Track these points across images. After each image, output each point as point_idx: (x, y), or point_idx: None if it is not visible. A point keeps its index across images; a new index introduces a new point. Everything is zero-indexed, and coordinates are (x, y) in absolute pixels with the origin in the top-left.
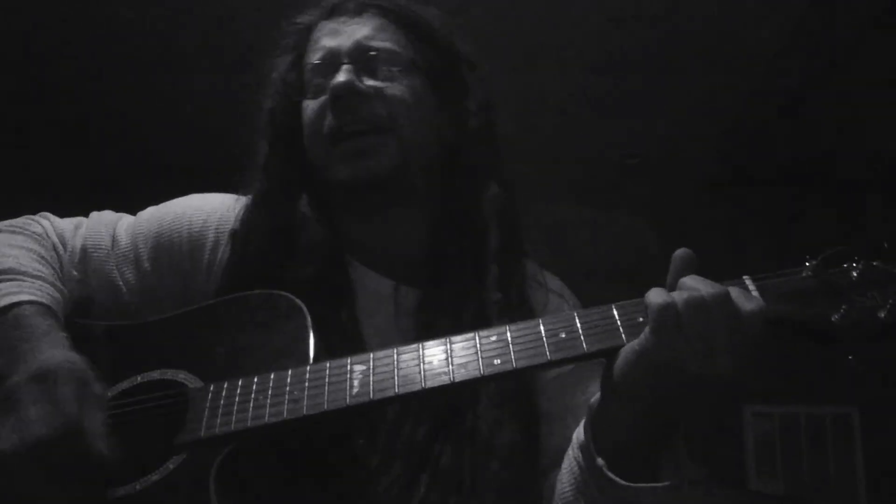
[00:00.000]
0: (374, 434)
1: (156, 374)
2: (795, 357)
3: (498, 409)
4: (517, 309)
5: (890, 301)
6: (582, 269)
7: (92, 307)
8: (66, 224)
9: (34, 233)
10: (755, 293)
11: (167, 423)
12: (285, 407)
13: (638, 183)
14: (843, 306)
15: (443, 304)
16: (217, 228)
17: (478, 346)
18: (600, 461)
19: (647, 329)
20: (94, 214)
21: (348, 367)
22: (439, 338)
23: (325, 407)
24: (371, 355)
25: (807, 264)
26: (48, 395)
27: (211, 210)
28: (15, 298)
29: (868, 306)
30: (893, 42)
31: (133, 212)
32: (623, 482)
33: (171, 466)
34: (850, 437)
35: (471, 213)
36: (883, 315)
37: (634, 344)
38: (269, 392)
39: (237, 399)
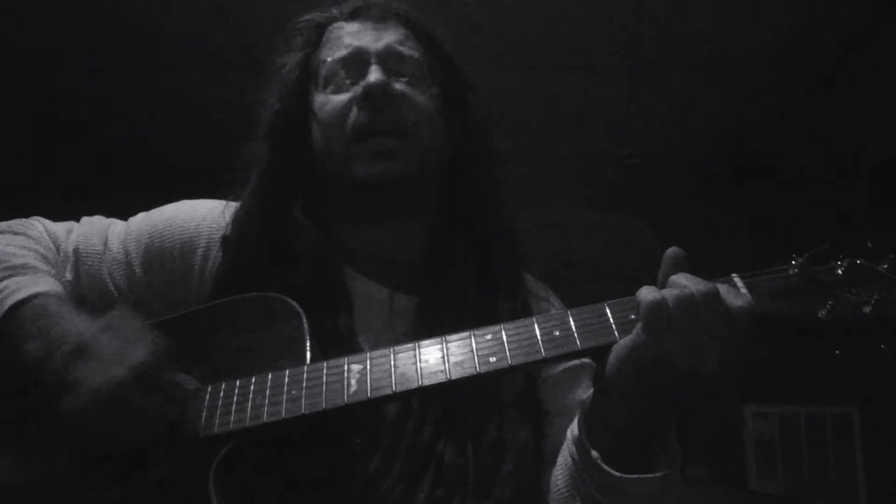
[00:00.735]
0: (374, 435)
1: None
2: (795, 357)
3: (504, 409)
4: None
5: (874, 297)
6: (581, 269)
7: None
8: (58, 228)
9: (31, 235)
10: (744, 290)
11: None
12: (283, 406)
13: (638, 183)
14: (829, 302)
15: (441, 312)
16: (208, 234)
17: (473, 344)
18: (595, 454)
19: (638, 326)
20: (85, 219)
21: (345, 366)
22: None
23: (323, 406)
24: (368, 355)
25: (793, 262)
26: (106, 347)
27: (202, 216)
28: (35, 289)
29: (853, 302)
30: (893, 42)
31: (127, 214)
32: (617, 473)
33: (171, 466)
34: (850, 437)
35: (471, 224)
36: (867, 310)
37: (626, 341)
38: (267, 392)
39: (235, 399)
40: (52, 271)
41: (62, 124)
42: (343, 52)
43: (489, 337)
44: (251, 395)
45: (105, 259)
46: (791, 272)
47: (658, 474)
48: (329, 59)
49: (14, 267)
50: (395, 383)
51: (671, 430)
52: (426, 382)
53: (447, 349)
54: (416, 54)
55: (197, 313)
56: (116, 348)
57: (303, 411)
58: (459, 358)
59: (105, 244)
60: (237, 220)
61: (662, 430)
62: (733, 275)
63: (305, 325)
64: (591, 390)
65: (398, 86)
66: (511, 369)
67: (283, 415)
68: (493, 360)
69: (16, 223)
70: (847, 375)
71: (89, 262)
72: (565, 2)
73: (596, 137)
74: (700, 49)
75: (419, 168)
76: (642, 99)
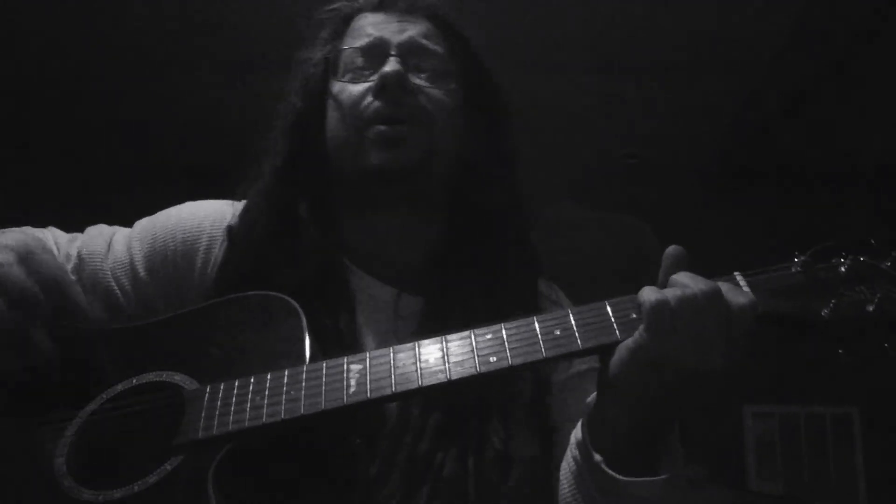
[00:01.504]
0: (373, 443)
1: (151, 377)
2: (795, 357)
3: (510, 422)
4: None
5: (878, 295)
6: (581, 269)
7: (87, 312)
8: (63, 235)
9: (35, 236)
10: (746, 289)
11: (164, 426)
12: (283, 407)
13: (638, 183)
14: (832, 301)
15: (447, 315)
16: (210, 233)
17: (473, 344)
18: (598, 457)
19: (641, 326)
20: (90, 228)
21: (345, 366)
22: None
23: (323, 406)
24: (367, 354)
25: (796, 260)
26: None
27: (204, 215)
28: None
29: (856, 300)
30: (893, 41)
31: (132, 217)
32: (620, 477)
33: (169, 468)
34: (850, 437)
35: (486, 229)
36: (871, 308)
37: (629, 342)
38: (266, 392)
39: (234, 400)
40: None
41: (64, 125)
42: (363, 42)
43: (489, 336)
44: (250, 396)
45: (108, 261)
46: (794, 270)
47: (661, 477)
48: (349, 48)
49: None
50: (395, 383)
51: (674, 432)
52: (426, 382)
53: (447, 349)
54: (438, 49)
55: (195, 312)
56: None
57: (302, 412)
58: (459, 358)
59: (108, 247)
60: (245, 212)
61: (665, 432)
62: (735, 273)
63: (305, 325)
64: (595, 393)
65: (416, 79)
66: (511, 369)
67: (283, 415)
68: (493, 359)
69: (28, 228)
70: (847, 375)
71: (93, 264)
72: (566, 3)
73: (596, 137)
74: (701, 49)
75: (427, 160)
76: (643, 99)
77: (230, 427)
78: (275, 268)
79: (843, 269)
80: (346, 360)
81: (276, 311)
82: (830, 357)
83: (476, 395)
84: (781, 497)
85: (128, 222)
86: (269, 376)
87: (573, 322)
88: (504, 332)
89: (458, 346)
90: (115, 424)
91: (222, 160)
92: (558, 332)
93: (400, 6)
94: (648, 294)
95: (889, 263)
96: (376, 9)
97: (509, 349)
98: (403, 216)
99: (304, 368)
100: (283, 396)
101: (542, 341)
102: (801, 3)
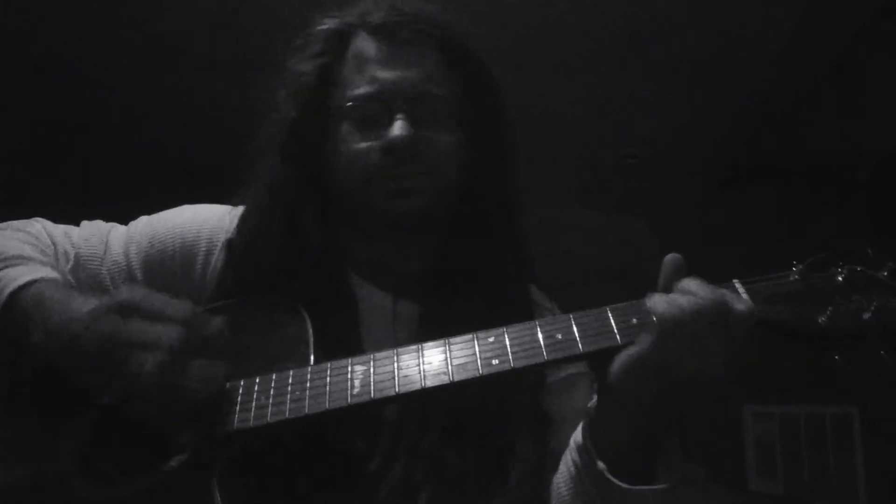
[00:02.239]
0: (374, 437)
1: None
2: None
3: (510, 418)
4: None
5: (874, 303)
6: (580, 270)
7: None
8: (58, 230)
9: (30, 232)
10: (745, 296)
11: (169, 424)
12: (287, 407)
13: (638, 183)
14: (829, 309)
15: (444, 321)
16: (209, 239)
17: (476, 347)
18: (601, 465)
19: (643, 333)
20: (85, 223)
21: (349, 367)
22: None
23: (327, 406)
24: (371, 356)
25: (794, 269)
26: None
27: (203, 221)
28: (33, 276)
29: (853, 309)
30: (893, 41)
31: (128, 216)
32: (623, 485)
33: (174, 466)
34: (850, 437)
35: (483, 236)
36: (867, 317)
37: (631, 349)
38: (271, 392)
39: (239, 400)
40: (51, 263)
41: (64, 125)
42: (369, 90)
43: (492, 339)
44: (255, 396)
45: (106, 262)
46: (791, 278)
47: (662, 486)
48: (354, 93)
49: (10, 258)
50: (399, 385)
51: (675, 439)
52: (429, 384)
53: (450, 351)
54: (444, 91)
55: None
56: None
57: (306, 412)
58: (462, 360)
59: (106, 247)
60: (243, 224)
61: (665, 437)
62: (734, 280)
63: (309, 327)
64: (595, 399)
65: (423, 132)
66: (513, 372)
67: (287, 415)
68: (495, 362)
69: (14, 222)
70: (847, 376)
71: (90, 266)
72: (565, 3)
73: (596, 138)
74: (701, 49)
75: (434, 202)
76: (642, 99)
77: (235, 426)
78: (276, 275)
79: (840, 278)
80: (350, 362)
81: (281, 314)
82: (827, 364)
83: (477, 396)
84: (781, 497)
85: (126, 222)
86: (273, 377)
87: (575, 326)
88: (507, 335)
89: (461, 348)
90: (124, 423)
91: (222, 160)
92: (560, 336)
93: (404, 35)
94: (658, 302)
95: (885, 273)
96: (377, 31)
97: (511, 352)
98: (410, 236)
99: (309, 369)
100: (288, 397)
101: (544, 345)
102: (801, 3)
